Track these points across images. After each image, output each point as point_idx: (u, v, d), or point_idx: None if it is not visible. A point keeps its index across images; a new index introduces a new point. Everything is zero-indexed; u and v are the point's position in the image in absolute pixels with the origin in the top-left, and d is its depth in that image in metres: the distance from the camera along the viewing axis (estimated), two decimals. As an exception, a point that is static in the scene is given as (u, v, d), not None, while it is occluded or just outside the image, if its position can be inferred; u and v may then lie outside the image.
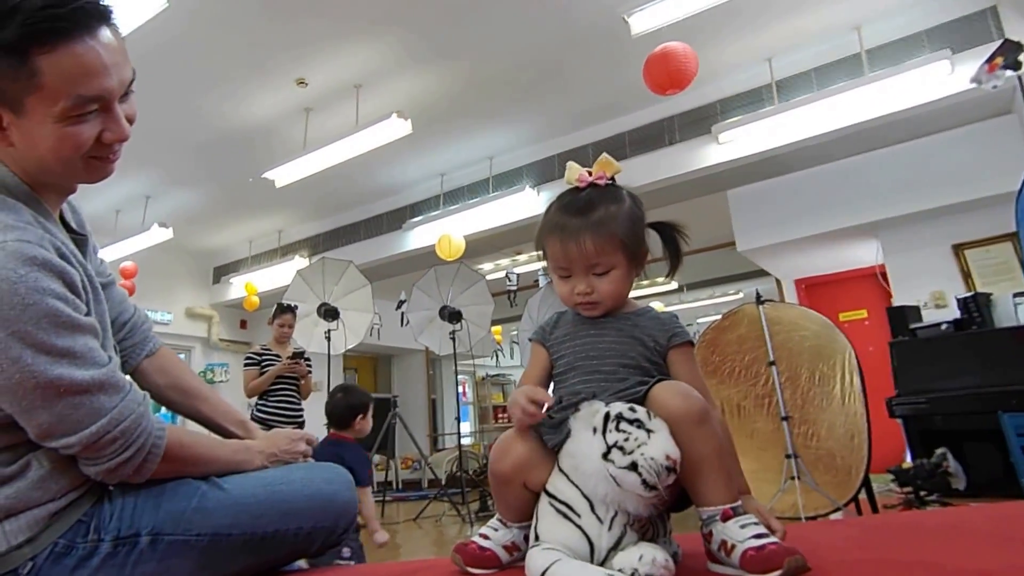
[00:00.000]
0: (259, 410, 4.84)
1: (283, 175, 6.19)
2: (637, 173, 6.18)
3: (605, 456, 1.09)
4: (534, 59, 5.41)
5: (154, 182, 7.20)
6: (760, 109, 5.52)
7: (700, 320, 12.75)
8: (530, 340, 1.44)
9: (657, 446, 1.07)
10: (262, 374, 4.84)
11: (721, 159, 5.79)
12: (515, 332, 11.59)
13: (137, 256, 7.78)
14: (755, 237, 6.52)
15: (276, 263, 8.68)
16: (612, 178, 1.35)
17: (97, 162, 1.16)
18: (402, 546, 4.92)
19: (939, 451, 4.24)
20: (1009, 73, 3.53)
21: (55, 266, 1.06)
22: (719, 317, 12.50)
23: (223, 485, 1.26)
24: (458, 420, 7.91)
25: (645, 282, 10.61)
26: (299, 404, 4.94)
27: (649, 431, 1.09)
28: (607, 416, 1.13)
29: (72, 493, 1.13)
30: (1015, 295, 4.99)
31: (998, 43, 3.60)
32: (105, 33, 1.07)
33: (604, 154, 1.36)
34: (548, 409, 1.19)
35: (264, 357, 4.93)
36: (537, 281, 7.39)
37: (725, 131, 5.56)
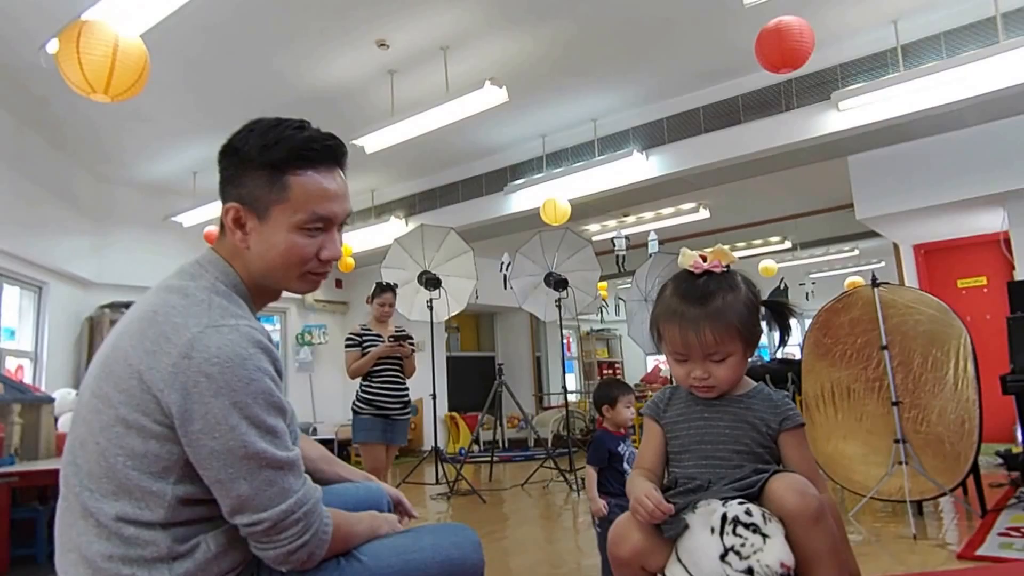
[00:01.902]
0: (364, 391, 5.10)
1: (373, 142, 6.54)
2: (751, 139, 6.54)
3: (722, 558, 1.27)
4: (638, 18, 5.60)
5: (232, 144, 7.77)
6: (884, 75, 5.75)
7: (812, 276, 13.01)
8: (643, 415, 1.64)
9: (773, 553, 1.24)
10: (364, 355, 5.12)
11: (841, 127, 6.07)
12: (621, 286, 12.16)
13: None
14: (876, 205, 6.82)
15: (371, 223, 9.27)
16: (727, 265, 1.51)
17: (311, 276, 1.47)
18: (510, 517, 5.56)
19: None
20: None
21: (272, 352, 1.32)
22: (831, 273, 12.64)
23: (360, 556, 1.42)
24: (563, 372, 8.42)
25: (758, 241, 10.95)
26: (404, 383, 5.26)
27: (765, 536, 1.26)
28: (724, 517, 1.31)
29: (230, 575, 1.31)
30: None
31: None
32: (340, 171, 1.47)
33: (719, 245, 1.54)
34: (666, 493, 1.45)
35: (365, 338, 5.15)
36: (646, 244, 7.92)
37: (846, 99, 5.82)
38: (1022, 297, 5.43)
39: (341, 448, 9.14)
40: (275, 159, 1.37)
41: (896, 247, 8.02)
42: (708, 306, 1.43)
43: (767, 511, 1.31)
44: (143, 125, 7.27)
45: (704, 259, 1.51)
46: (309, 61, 6.12)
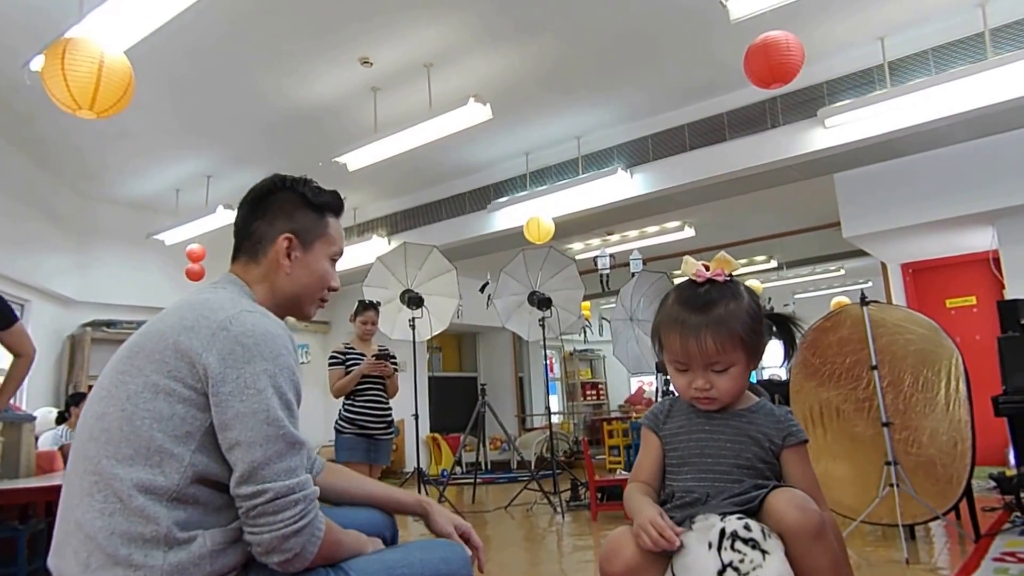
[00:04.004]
0: (347, 410, 5.08)
1: (355, 159, 6.49)
2: (737, 156, 6.49)
3: (720, 574, 1.24)
4: (622, 35, 5.57)
5: (215, 161, 7.62)
6: (870, 92, 5.74)
7: (797, 296, 12.93)
8: (642, 425, 1.59)
9: (772, 570, 1.21)
10: (347, 374, 5.07)
11: (827, 144, 6.04)
12: (604, 306, 12.05)
13: (204, 238, 8.38)
14: (863, 223, 6.77)
15: (353, 242, 9.21)
16: (730, 274, 1.51)
17: (320, 302, 1.74)
18: (493, 538, 5.40)
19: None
20: None
21: (293, 341, 1.46)
22: (817, 294, 12.50)
23: (348, 571, 1.44)
24: (547, 393, 8.26)
25: (743, 260, 10.85)
26: (387, 402, 5.20)
27: (764, 552, 1.22)
28: (723, 532, 1.27)
29: None
30: None
31: None
32: None
33: (722, 252, 1.53)
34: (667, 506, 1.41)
35: (348, 356, 5.13)
36: (628, 264, 7.81)
37: (832, 116, 5.79)
38: (1013, 317, 5.36)
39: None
40: (321, 203, 1.68)
41: (884, 266, 7.96)
42: (710, 314, 1.42)
43: (766, 527, 1.27)
44: (126, 143, 7.20)
45: (707, 268, 1.50)
46: (293, 79, 6.07)
